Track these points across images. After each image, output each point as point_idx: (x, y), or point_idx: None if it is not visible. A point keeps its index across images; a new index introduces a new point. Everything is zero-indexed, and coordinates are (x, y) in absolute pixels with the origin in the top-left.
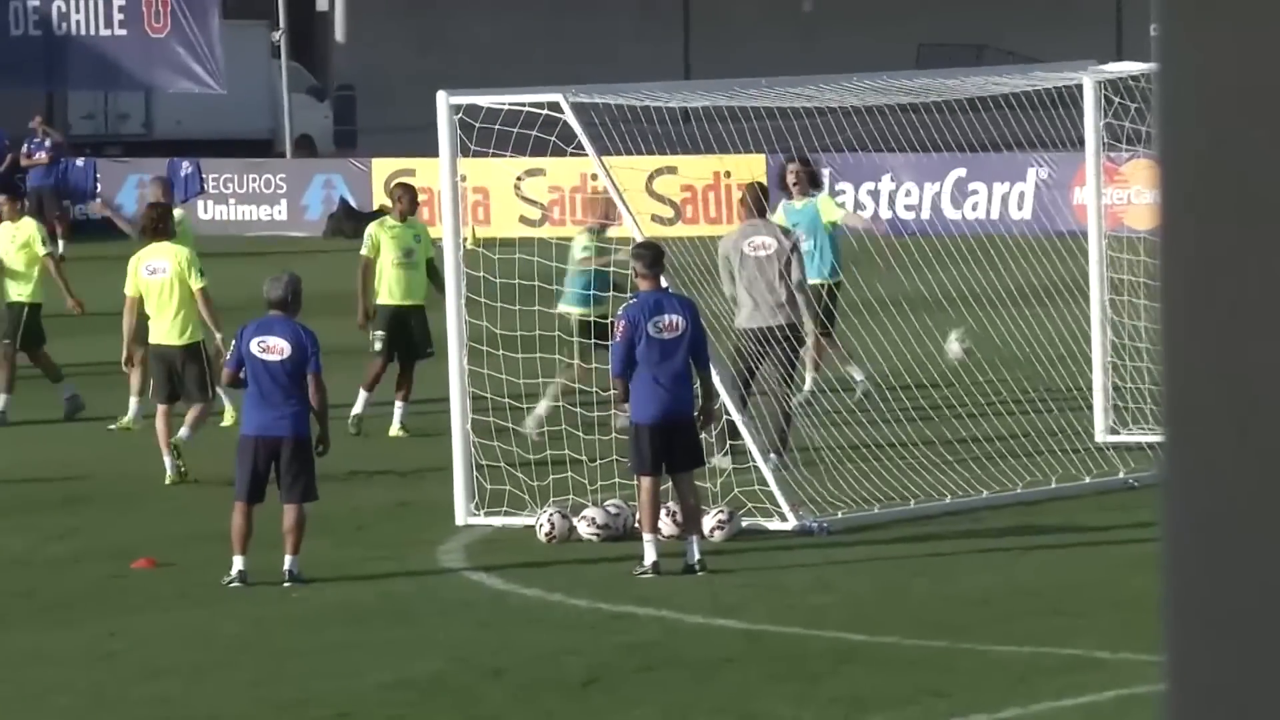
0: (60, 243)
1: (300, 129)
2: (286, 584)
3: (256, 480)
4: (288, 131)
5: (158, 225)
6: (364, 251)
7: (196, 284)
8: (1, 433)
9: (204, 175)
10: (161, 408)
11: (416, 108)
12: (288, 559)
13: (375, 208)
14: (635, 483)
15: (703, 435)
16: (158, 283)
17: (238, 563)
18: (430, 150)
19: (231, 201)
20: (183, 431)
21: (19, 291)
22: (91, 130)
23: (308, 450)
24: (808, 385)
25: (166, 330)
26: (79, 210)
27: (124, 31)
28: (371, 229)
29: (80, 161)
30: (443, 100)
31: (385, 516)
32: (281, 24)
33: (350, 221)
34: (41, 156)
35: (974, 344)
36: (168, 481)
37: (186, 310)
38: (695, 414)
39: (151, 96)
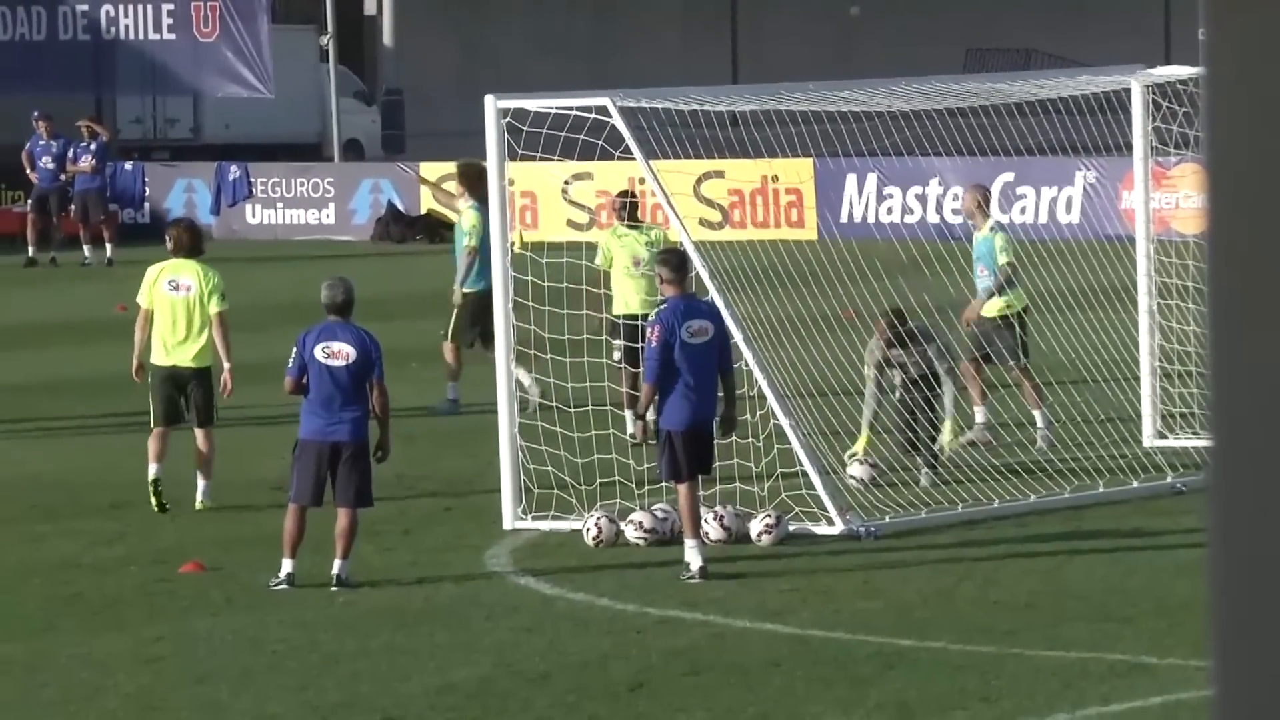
0: (109, 247)
1: (348, 133)
2: (334, 588)
3: (315, 484)
4: (335, 136)
5: (188, 242)
6: (597, 262)
7: (217, 308)
8: (48, 438)
9: (252, 179)
10: (160, 430)
11: (464, 112)
12: (337, 563)
13: (423, 212)
14: (673, 489)
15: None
16: (180, 300)
17: (286, 565)
18: (478, 154)
19: (279, 206)
20: (204, 488)
21: None
22: (140, 134)
23: (366, 456)
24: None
25: (181, 351)
26: (127, 214)
27: (173, 36)
28: (605, 239)
29: (128, 166)
30: (490, 104)
31: (432, 520)
32: (330, 28)
33: (397, 226)
34: (87, 160)
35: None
36: (156, 504)
37: (205, 333)
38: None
39: (200, 101)
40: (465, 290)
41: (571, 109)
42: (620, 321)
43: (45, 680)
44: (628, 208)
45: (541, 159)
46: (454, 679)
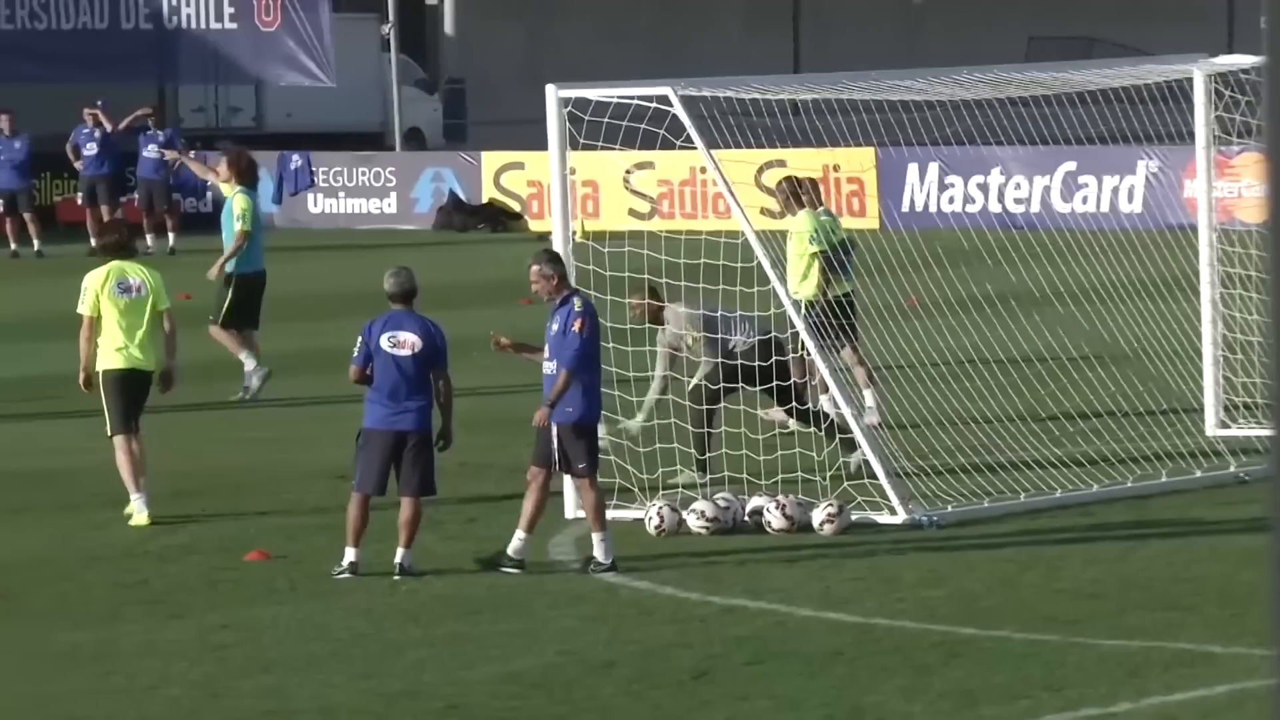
0: (171, 236)
1: (410, 122)
2: (397, 577)
3: (379, 473)
4: (397, 125)
5: (126, 242)
6: (814, 248)
7: (165, 304)
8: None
9: (314, 168)
10: (123, 438)
11: (526, 100)
12: (400, 552)
13: (485, 201)
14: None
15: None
16: (134, 302)
17: (350, 554)
18: (540, 143)
19: (341, 195)
20: (141, 506)
21: None
22: (202, 124)
23: (430, 445)
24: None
25: (139, 353)
26: (189, 204)
27: (234, 25)
28: (810, 221)
29: (192, 155)
30: (552, 93)
31: (496, 509)
32: (391, 17)
33: (459, 214)
34: (152, 149)
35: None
36: (141, 522)
37: (156, 333)
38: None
39: (262, 90)
40: (237, 273)
41: (633, 98)
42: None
43: (111, 668)
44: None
45: (603, 148)
46: (517, 667)
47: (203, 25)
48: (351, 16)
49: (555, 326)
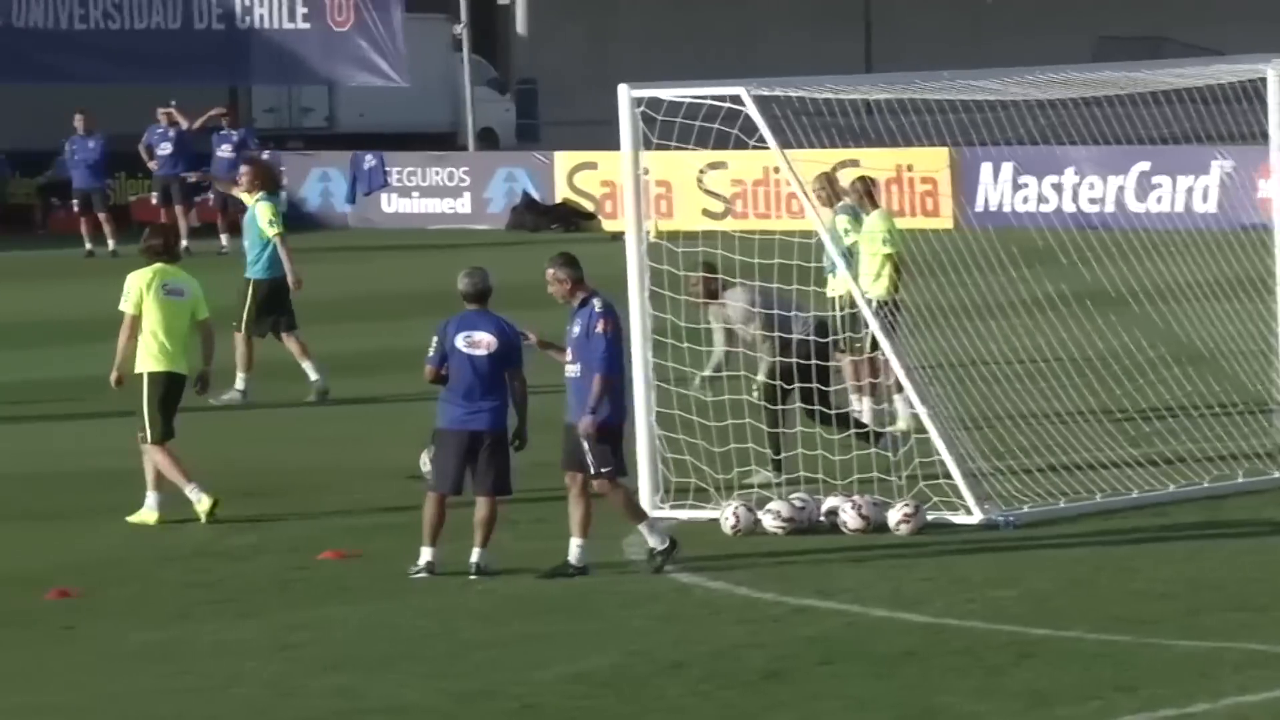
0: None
1: (482, 122)
2: (472, 576)
3: (454, 473)
4: (470, 125)
5: (171, 246)
6: (889, 249)
7: (205, 314)
8: (181, 425)
9: (387, 168)
10: (167, 446)
11: (598, 100)
12: (476, 551)
13: (559, 201)
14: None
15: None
16: (180, 306)
17: (426, 554)
18: (613, 143)
19: (414, 195)
20: (199, 494)
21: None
22: (274, 124)
23: (505, 445)
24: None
25: (180, 357)
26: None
27: (307, 25)
28: (883, 222)
29: (265, 155)
30: (624, 93)
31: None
32: (463, 17)
33: (533, 215)
34: (226, 149)
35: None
36: (206, 508)
37: (192, 339)
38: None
39: (334, 90)
40: (257, 278)
41: (705, 98)
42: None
43: (183, 667)
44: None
45: (676, 148)
46: (590, 667)
47: (275, 25)
48: (423, 16)
49: (577, 329)
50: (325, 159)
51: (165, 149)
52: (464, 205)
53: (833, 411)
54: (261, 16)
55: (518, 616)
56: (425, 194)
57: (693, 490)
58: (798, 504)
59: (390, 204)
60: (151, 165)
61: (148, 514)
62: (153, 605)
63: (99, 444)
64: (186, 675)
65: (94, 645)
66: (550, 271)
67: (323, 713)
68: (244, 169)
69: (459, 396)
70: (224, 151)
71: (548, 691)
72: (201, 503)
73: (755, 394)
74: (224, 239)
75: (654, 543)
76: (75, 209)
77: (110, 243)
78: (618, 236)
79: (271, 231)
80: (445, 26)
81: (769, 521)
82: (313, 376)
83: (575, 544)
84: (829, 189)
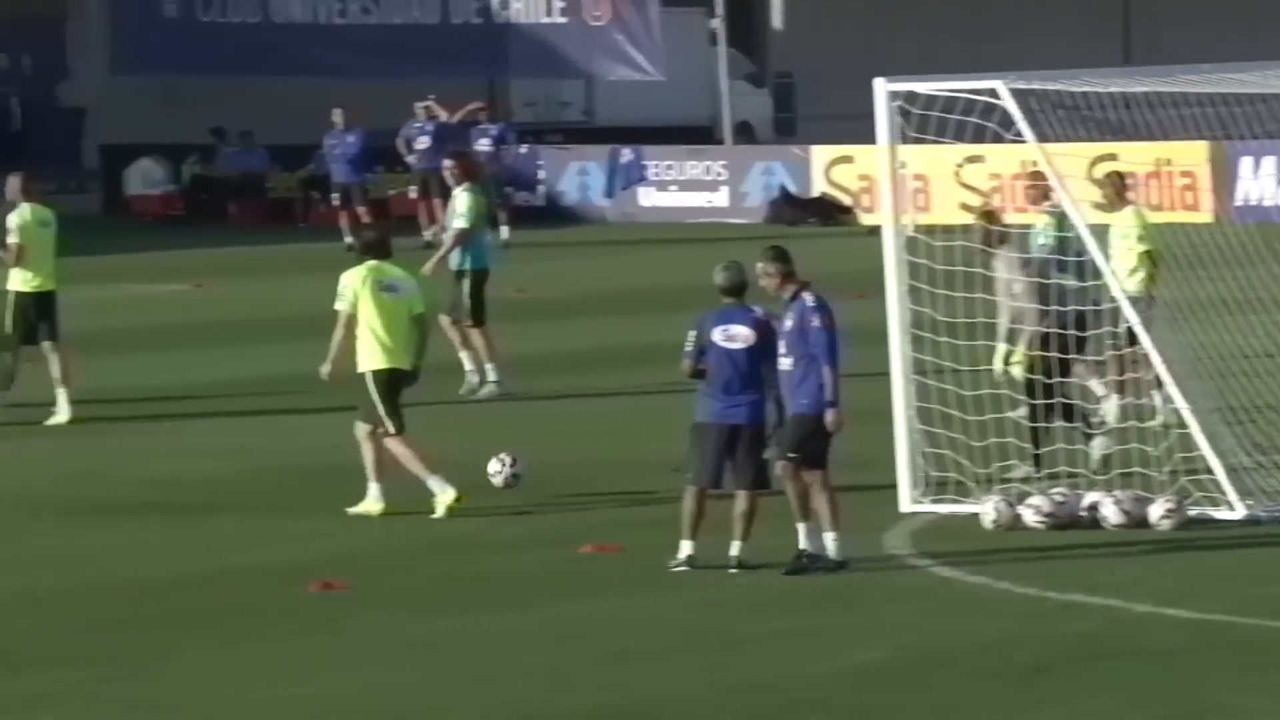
0: (504, 229)
1: (739, 116)
2: (733, 570)
3: (714, 466)
4: (727, 118)
5: (384, 240)
6: (1145, 246)
7: (420, 309)
8: (451, 418)
9: (644, 162)
10: (405, 437)
11: (854, 94)
12: (736, 545)
13: (817, 194)
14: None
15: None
16: (398, 302)
17: (686, 547)
18: (869, 137)
19: (672, 189)
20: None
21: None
22: (533, 118)
23: (763, 439)
24: None
25: (401, 353)
26: (522, 197)
27: (564, 19)
28: (1137, 219)
29: (523, 149)
30: (880, 87)
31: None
32: (719, 10)
33: (790, 209)
34: (484, 144)
35: None
36: (448, 503)
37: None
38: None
39: (592, 84)
40: (469, 269)
41: (962, 92)
42: None
43: (453, 659)
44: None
45: (933, 142)
46: (857, 661)
47: (532, 20)
48: (679, 11)
49: (789, 323)
50: (583, 153)
51: (423, 143)
52: (721, 199)
53: (1068, 401)
54: (519, 11)
55: (786, 610)
56: (682, 188)
57: (952, 484)
58: (1058, 499)
59: (647, 198)
60: (410, 159)
61: (371, 504)
62: (420, 597)
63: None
64: (456, 667)
65: (362, 637)
66: (760, 266)
67: (595, 706)
68: (448, 162)
69: (718, 390)
70: (482, 145)
71: (819, 685)
72: (445, 494)
73: (1009, 368)
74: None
75: (804, 543)
76: (335, 203)
77: None
78: (875, 230)
79: (458, 223)
80: (702, 20)
81: (1029, 516)
82: (469, 366)
83: (830, 538)
84: (1037, 188)
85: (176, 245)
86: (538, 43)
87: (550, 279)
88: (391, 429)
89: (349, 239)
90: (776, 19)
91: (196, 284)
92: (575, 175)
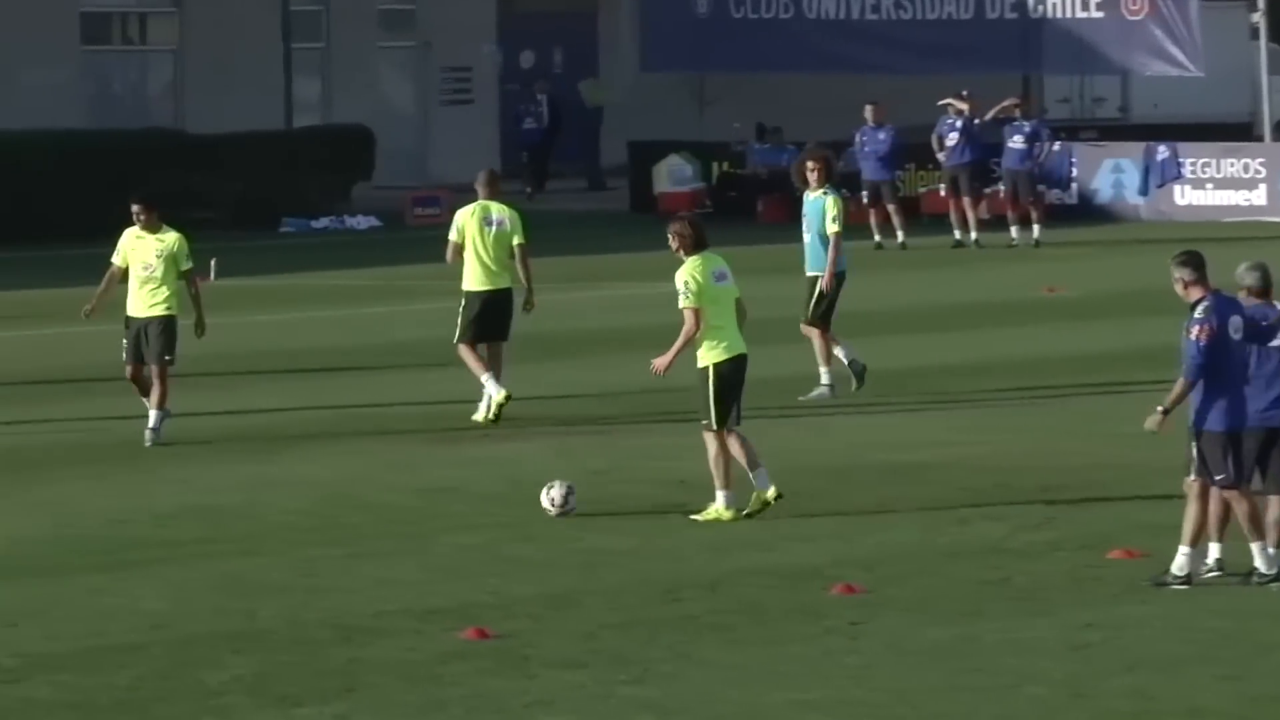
0: (1036, 228)
1: (1279, 113)
2: (1262, 577)
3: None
4: (1265, 115)
5: (701, 238)
6: None
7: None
8: (978, 421)
9: (1180, 160)
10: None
11: None
12: (1267, 550)
13: None
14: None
15: None
16: (727, 290)
17: (1214, 550)
18: None
19: (1208, 186)
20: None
21: None
22: (1067, 114)
23: None
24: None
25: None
26: (1054, 195)
27: (1100, 14)
28: None
29: (1056, 146)
30: None
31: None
32: (1260, 4)
33: None
34: (1018, 140)
35: None
36: (768, 498)
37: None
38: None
39: (1128, 80)
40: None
41: None
42: None
43: (974, 665)
44: None
45: None
46: None
47: (1068, 14)
48: (1219, 5)
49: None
50: (1118, 150)
51: (952, 140)
52: (1259, 197)
53: None
54: (1054, 5)
55: None
56: (1219, 185)
57: None
58: None
59: (1183, 196)
60: (940, 157)
61: (721, 511)
62: (944, 601)
63: (894, 437)
64: (977, 673)
65: (882, 640)
66: (1171, 269)
67: (1116, 715)
68: (811, 164)
69: (1259, 390)
70: (1015, 143)
71: None
72: (768, 491)
73: None
74: (1014, 231)
75: (1260, 564)
76: (864, 200)
77: (899, 235)
78: None
79: (833, 229)
80: (1242, 15)
81: None
82: (825, 378)
83: (1182, 552)
84: None
85: None
86: (1073, 37)
87: (1081, 278)
88: (714, 424)
89: (877, 237)
90: None
91: None
92: (1109, 173)
